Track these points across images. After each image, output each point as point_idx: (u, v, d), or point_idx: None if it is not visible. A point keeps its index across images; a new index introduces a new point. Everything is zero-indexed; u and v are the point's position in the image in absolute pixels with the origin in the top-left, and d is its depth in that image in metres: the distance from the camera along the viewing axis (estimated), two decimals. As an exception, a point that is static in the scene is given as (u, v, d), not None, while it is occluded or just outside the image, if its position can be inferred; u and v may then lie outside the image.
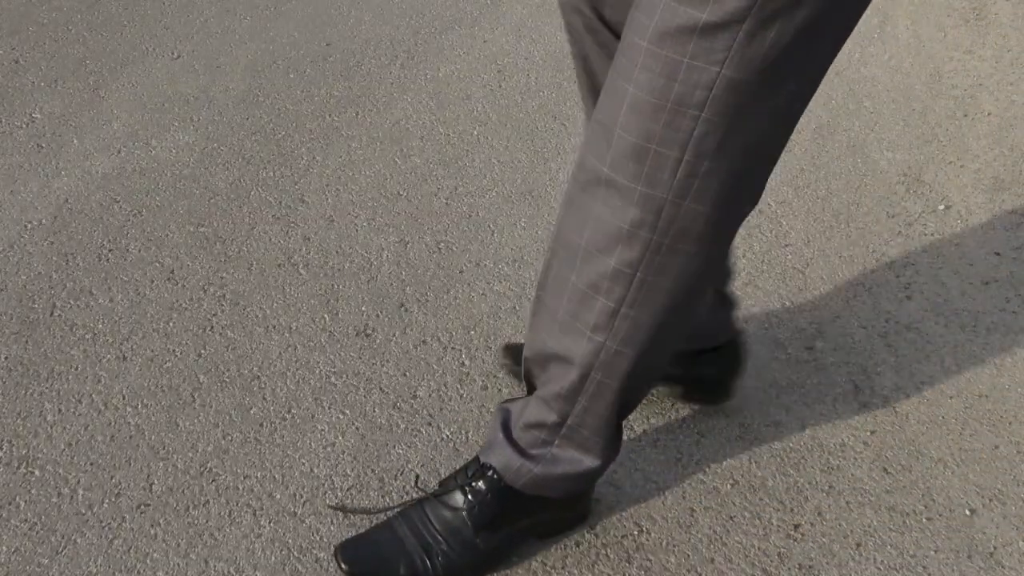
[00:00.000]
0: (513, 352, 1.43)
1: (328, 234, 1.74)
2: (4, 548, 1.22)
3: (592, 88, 1.17)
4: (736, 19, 0.86)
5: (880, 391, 1.43)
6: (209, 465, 1.33)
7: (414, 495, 1.28)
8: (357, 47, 2.32)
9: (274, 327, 1.55)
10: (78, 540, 1.23)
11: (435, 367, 1.47)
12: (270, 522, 1.25)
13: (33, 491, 1.29)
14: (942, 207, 1.80)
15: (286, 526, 1.25)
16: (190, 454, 1.34)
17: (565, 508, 1.21)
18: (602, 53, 1.13)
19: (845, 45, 2.32)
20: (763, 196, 1.83)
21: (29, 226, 1.76)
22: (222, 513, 1.26)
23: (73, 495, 1.29)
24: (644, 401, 1.40)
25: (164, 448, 1.35)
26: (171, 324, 1.55)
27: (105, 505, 1.27)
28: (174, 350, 1.51)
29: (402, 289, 1.62)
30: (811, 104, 2.11)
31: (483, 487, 1.14)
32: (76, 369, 1.47)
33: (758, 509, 1.27)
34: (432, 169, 1.90)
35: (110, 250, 1.70)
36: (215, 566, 1.20)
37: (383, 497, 1.28)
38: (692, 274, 1.00)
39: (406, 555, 1.15)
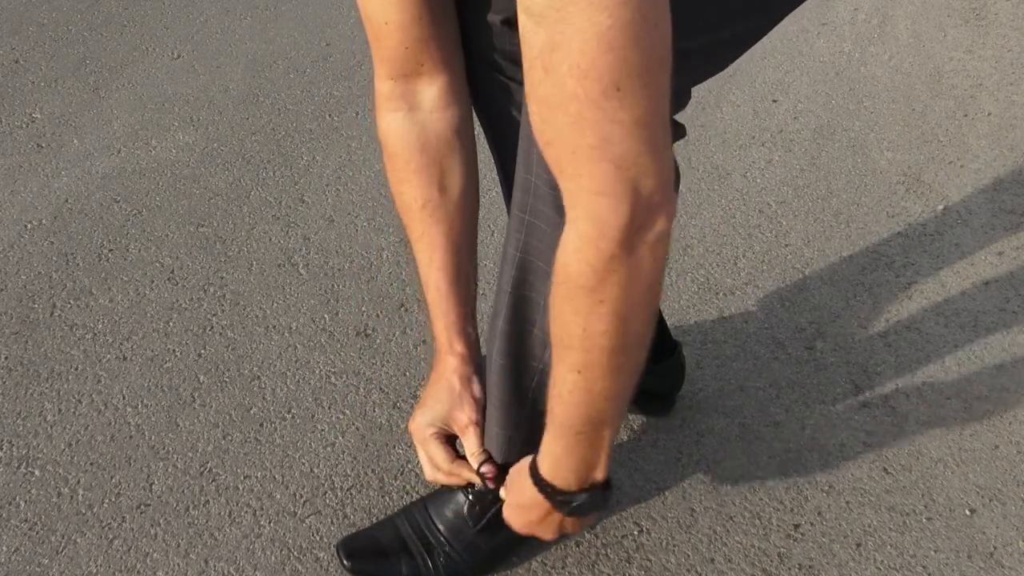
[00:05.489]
0: None
1: (328, 234, 1.74)
2: (4, 548, 1.22)
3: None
4: None
5: (880, 391, 1.43)
6: (209, 465, 1.33)
7: (415, 495, 1.28)
8: (357, 47, 2.32)
9: (274, 327, 1.55)
10: (78, 540, 1.23)
11: (435, 367, 1.47)
12: (270, 522, 1.25)
13: (33, 491, 1.29)
14: (942, 207, 1.80)
15: (286, 526, 1.25)
16: (190, 454, 1.34)
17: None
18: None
19: (845, 45, 2.33)
20: (763, 196, 1.83)
21: (29, 226, 1.76)
22: (222, 513, 1.26)
23: (73, 495, 1.29)
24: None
25: (164, 448, 1.35)
26: (171, 324, 1.55)
27: (105, 505, 1.27)
28: (174, 350, 1.51)
29: (402, 289, 1.62)
30: (811, 104, 2.11)
31: (485, 487, 1.14)
32: (76, 369, 1.47)
33: (758, 509, 1.27)
34: (432, 169, 1.90)
35: (110, 250, 1.70)
36: (215, 566, 1.20)
37: (383, 497, 1.28)
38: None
39: (408, 554, 1.15)
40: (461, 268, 1.09)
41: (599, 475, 0.96)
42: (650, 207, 0.77)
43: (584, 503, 0.96)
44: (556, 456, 0.94)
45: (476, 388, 1.10)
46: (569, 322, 0.84)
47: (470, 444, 1.10)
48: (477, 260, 1.12)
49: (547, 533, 1.03)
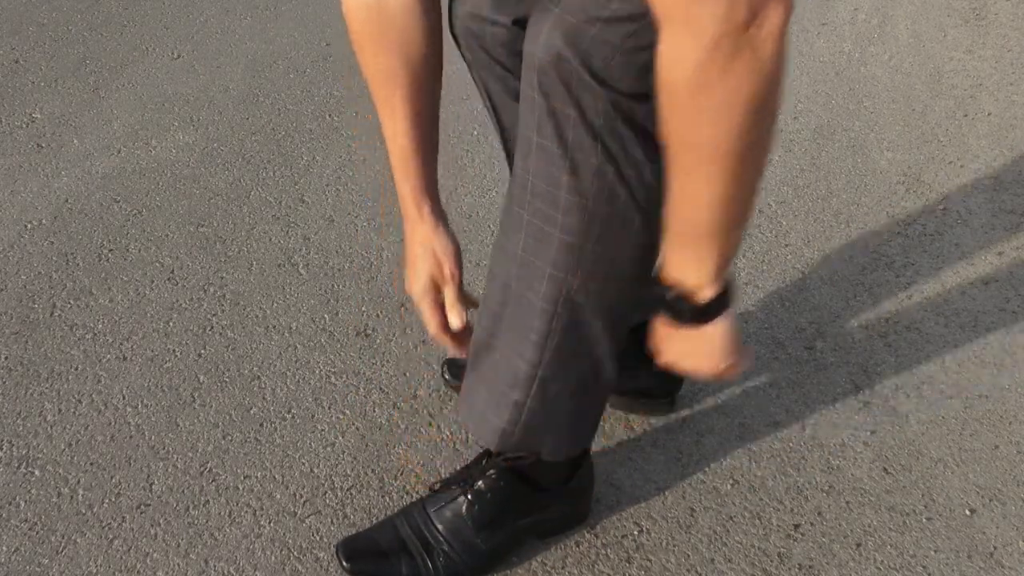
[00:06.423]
0: (452, 368, 1.44)
1: (328, 234, 1.74)
2: (4, 548, 1.22)
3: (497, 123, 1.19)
4: None
5: (880, 391, 1.43)
6: (209, 465, 1.33)
7: (415, 495, 1.28)
8: (357, 47, 2.32)
9: (274, 327, 1.55)
10: (78, 540, 1.23)
11: (435, 367, 1.47)
12: (270, 522, 1.25)
13: (33, 491, 1.29)
14: (942, 207, 1.80)
15: (286, 526, 1.25)
16: (190, 454, 1.34)
17: (565, 507, 1.21)
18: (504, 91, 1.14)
19: (845, 45, 2.33)
20: (763, 196, 1.83)
21: (29, 226, 1.76)
22: (222, 513, 1.26)
23: (73, 495, 1.29)
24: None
25: (164, 448, 1.35)
26: (171, 324, 1.55)
27: (105, 505, 1.28)
28: (174, 350, 1.51)
29: (402, 289, 1.62)
30: (811, 104, 2.11)
31: (484, 487, 1.14)
32: (76, 369, 1.47)
33: (758, 509, 1.27)
34: (432, 169, 1.90)
35: (110, 250, 1.70)
36: (215, 566, 1.20)
37: (383, 497, 1.28)
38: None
39: (407, 554, 1.15)
40: (424, 135, 1.11)
41: (707, 288, 0.91)
42: (752, 2, 0.72)
43: (681, 305, 0.92)
44: (669, 258, 0.91)
45: (447, 243, 1.14)
46: (671, 129, 0.80)
47: (448, 296, 1.15)
48: (439, 136, 1.15)
49: (709, 359, 0.97)
